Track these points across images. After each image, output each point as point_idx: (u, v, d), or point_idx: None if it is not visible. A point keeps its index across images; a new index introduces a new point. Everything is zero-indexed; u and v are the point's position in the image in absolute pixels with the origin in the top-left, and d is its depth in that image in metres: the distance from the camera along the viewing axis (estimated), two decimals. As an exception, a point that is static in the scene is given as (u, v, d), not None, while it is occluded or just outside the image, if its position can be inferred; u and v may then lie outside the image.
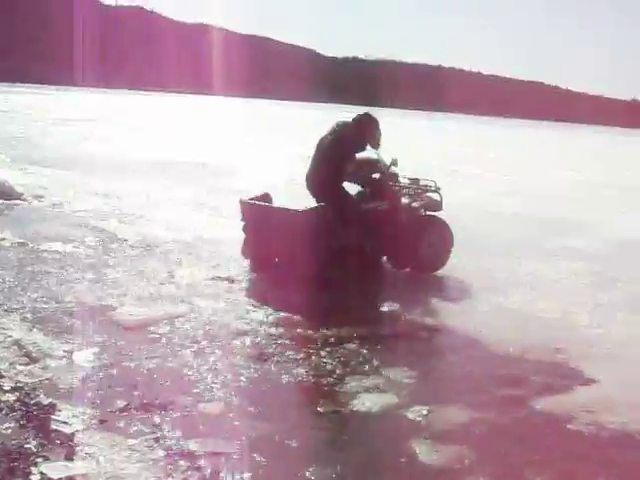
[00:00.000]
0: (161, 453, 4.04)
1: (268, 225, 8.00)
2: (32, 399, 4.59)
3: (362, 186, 8.73)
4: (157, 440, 4.18)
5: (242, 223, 8.30)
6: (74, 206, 11.66)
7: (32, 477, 3.72)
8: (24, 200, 11.88)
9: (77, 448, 4.02)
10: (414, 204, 8.87)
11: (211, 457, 4.06)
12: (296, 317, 6.70)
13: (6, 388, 4.71)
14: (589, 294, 8.46)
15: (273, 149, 26.63)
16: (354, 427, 4.72)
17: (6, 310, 6.23)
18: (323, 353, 5.85)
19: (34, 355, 5.29)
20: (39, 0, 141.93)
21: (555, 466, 4.30)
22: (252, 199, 8.31)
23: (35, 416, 4.37)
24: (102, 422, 4.36)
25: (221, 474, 3.92)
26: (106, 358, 5.40)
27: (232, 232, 9.15)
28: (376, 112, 8.82)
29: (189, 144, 26.38)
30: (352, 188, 8.62)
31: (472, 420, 4.85)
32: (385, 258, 8.79)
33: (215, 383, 5.09)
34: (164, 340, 5.88)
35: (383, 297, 7.66)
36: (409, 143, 31.40)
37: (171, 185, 15.12)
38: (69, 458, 3.91)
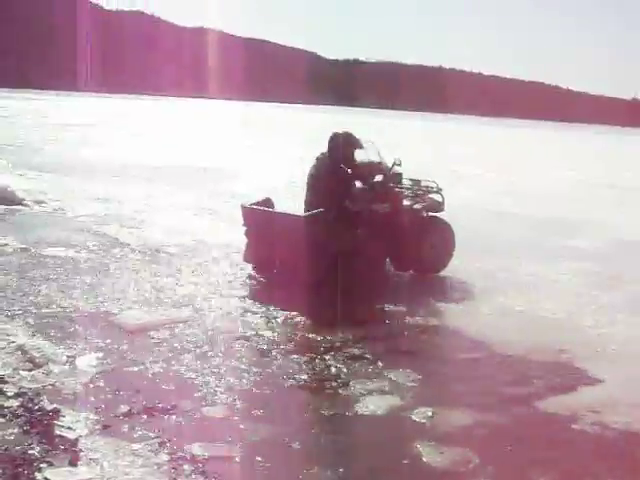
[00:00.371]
0: (165, 457, 4.03)
1: (270, 230, 7.99)
2: (36, 404, 4.59)
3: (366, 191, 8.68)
4: (161, 444, 4.18)
5: (244, 228, 8.31)
6: (75, 211, 11.67)
7: (36, 483, 3.72)
8: (26, 205, 11.89)
9: (81, 453, 4.01)
10: (416, 206, 8.86)
11: (215, 461, 4.06)
12: (299, 321, 6.70)
13: (10, 394, 4.71)
14: (591, 294, 8.45)
15: (273, 152, 26.63)
16: (358, 430, 4.71)
17: (9, 315, 6.23)
18: (327, 357, 5.84)
19: (37, 360, 5.28)
20: (39, 5, 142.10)
21: (560, 466, 4.30)
22: (253, 204, 8.31)
23: (39, 421, 4.37)
24: (106, 427, 4.35)
25: (225, 478, 3.91)
26: (109, 363, 5.39)
27: (234, 236, 9.15)
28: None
29: (189, 148, 26.40)
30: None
31: (477, 422, 4.84)
32: (388, 260, 8.78)
33: (218, 387, 5.08)
34: (167, 344, 5.87)
35: (386, 299, 7.66)
36: (409, 144, 31.32)
37: (172, 189, 15.13)
38: (73, 463, 3.90)
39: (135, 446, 4.12)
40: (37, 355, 5.38)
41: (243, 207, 8.32)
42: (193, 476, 3.88)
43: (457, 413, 4.99)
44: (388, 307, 7.42)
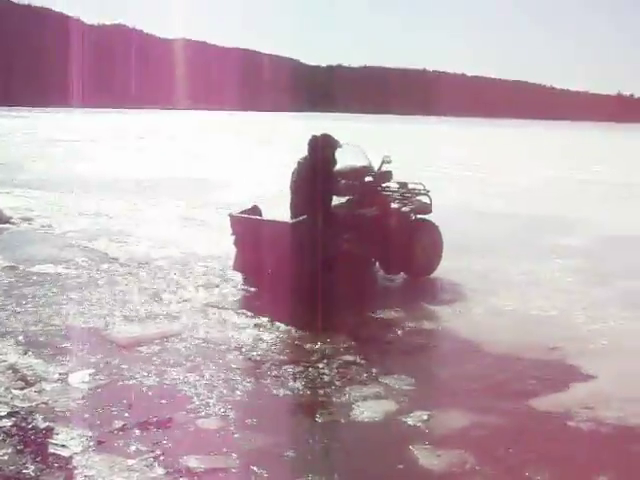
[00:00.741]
0: (161, 471, 4.02)
1: (258, 238, 7.97)
2: (29, 423, 4.56)
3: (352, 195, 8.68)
4: (156, 458, 4.16)
5: (232, 237, 8.29)
6: (63, 227, 11.63)
7: (32, 502, 3.70)
8: (13, 223, 11.84)
9: (76, 471, 3.99)
10: (404, 208, 8.87)
11: (211, 473, 4.04)
12: (291, 328, 6.69)
13: (2, 413, 4.68)
14: (582, 291, 8.48)
15: (259, 160, 26.64)
16: (354, 436, 4.70)
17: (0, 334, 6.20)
18: (320, 365, 5.83)
19: (29, 379, 5.26)
20: (21, 23, 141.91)
21: (556, 464, 4.29)
22: (241, 213, 8.30)
23: (32, 440, 4.34)
24: (100, 443, 4.33)
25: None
26: (102, 378, 5.37)
27: (223, 246, 9.13)
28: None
29: (176, 160, 26.33)
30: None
31: (472, 423, 4.84)
32: (377, 264, 8.78)
33: (211, 398, 5.06)
34: (159, 357, 5.85)
35: (377, 303, 7.66)
36: (397, 147, 31.34)
37: (159, 202, 15.10)
38: (68, 481, 3.88)
39: (130, 461, 4.11)
40: (29, 373, 5.36)
41: (231, 216, 8.30)
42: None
43: (452, 415, 4.99)
44: (379, 311, 7.42)
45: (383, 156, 8.69)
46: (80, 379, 5.32)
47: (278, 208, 8.81)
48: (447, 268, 9.05)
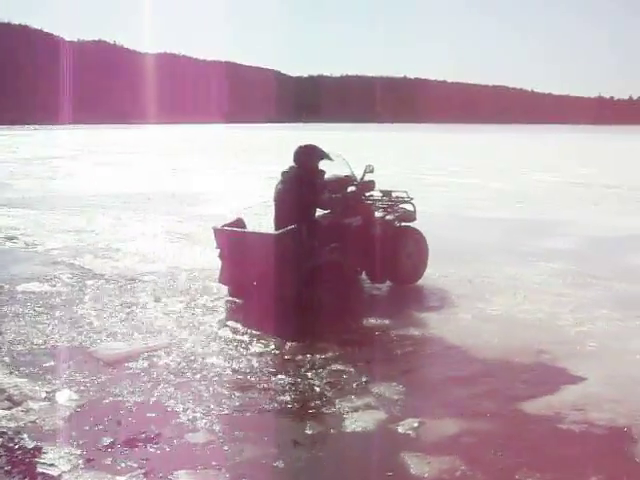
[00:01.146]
0: (151, 488, 3.99)
1: (243, 250, 7.94)
2: (16, 443, 4.52)
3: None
4: (146, 475, 4.12)
5: (217, 250, 8.26)
6: (48, 245, 11.56)
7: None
8: (-4, 243, 11.77)
9: (65, 490, 3.95)
10: (388, 217, 8.87)
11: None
12: (278, 340, 6.66)
13: (-11, 434, 4.64)
14: (569, 293, 8.49)
15: (242, 172, 26.64)
16: (344, 446, 4.68)
17: (-16, 355, 6.15)
18: (309, 374, 5.81)
19: (15, 398, 5.22)
20: (0, 40, 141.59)
21: (547, 467, 4.29)
22: (225, 225, 8.26)
23: (20, 461, 4.30)
24: (89, 461, 4.29)
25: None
26: (89, 396, 5.33)
27: (208, 259, 9.10)
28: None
29: (159, 174, 26.28)
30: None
31: (462, 429, 4.83)
32: (364, 273, 8.77)
33: (198, 412, 5.03)
34: (146, 373, 5.81)
35: (364, 312, 7.64)
36: (379, 156, 31.42)
37: (144, 217, 15.06)
38: (57, 501, 3.85)
39: (119, 478, 4.07)
40: (15, 393, 5.31)
41: (215, 229, 8.26)
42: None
43: (443, 422, 4.97)
44: (367, 320, 7.40)
45: (366, 165, 8.69)
46: (67, 397, 5.28)
47: (261, 219, 8.80)
48: (433, 275, 9.06)
